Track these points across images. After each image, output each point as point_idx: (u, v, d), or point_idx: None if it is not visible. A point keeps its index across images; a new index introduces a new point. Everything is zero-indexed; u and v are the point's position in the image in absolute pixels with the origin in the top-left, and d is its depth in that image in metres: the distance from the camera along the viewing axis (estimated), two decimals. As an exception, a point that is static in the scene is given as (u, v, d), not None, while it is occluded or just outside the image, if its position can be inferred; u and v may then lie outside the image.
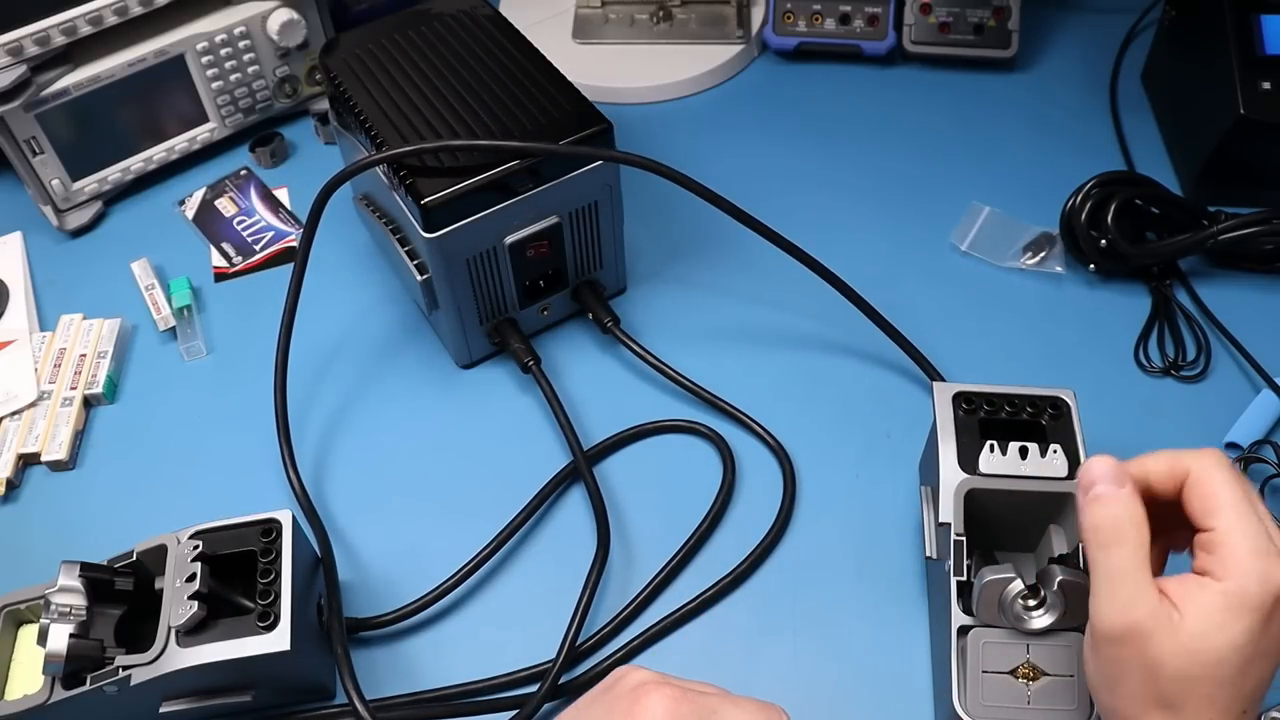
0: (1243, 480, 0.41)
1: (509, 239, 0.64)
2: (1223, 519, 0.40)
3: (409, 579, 0.60)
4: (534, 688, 0.56)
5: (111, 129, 0.79)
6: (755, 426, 0.65)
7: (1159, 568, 0.45)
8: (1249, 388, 0.66)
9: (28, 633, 0.56)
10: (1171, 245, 0.70)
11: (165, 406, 0.70)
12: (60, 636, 0.49)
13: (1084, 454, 0.52)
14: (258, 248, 0.79)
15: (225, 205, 0.82)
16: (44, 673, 0.50)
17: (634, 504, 0.63)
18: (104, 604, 0.52)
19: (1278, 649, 0.39)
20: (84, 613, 0.50)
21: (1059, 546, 0.50)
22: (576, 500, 0.64)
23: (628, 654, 0.57)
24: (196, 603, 0.50)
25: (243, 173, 0.84)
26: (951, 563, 0.51)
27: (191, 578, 0.51)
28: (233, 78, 0.81)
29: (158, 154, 0.82)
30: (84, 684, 0.50)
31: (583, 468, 0.63)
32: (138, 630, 0.52)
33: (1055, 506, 0.52)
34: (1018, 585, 0.48)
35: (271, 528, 0.54)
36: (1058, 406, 0.54)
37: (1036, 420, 0.54)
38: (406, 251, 0.66)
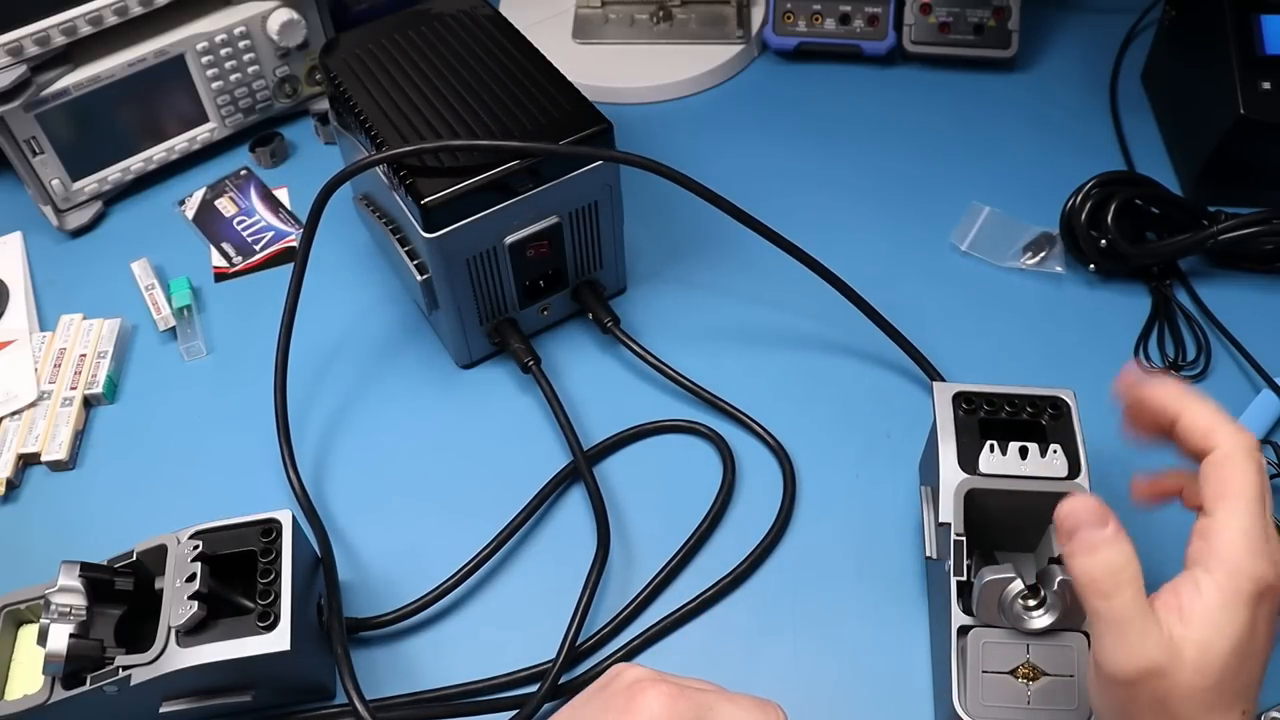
0: (1263, 476, 0.41)
1: (509, 239, 0.64)
2: (1226, 509, 0.40)
3: (409, 579, 0.60)
4: (534, 688, 0.56)
5: (111, 129, 0.79)
6: (755, 426, 0.65)
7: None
8: (1249, 388, 0.66)
9: (28, 633, 0.56)
10: (1171, 245, 0.70)
11: (165, 406, 0.70)
12: (60, 636, 0.49)
13: (1084, 454, 0.52)
14: (258, 248, 0.79)
15: (225, 205, 0.82)
16: (44, 673, 0.50)
17: (634, 504, 0.63)
18: (104, 604, 0.52)
19: (1264, 649, 0.40)
20: (84, 613, 0.50)
21: (1059, 547, 0.50)
22: (576, 500, 0.64)
23: (628, 654, 0.58)
24: (196, 603, 0.50)
25: (243, 173, 0.84)
26: (951, 563, 0.51)
27: (191, 578, 0.51)
28: (233, 78, 0.81)
29: (158, 154, 0.82)
30: (84, 684, 0.50)
31: (583, 468, 0.63)
32: (138, 630, 0.52)
33: (1055, 506, 0.51)
34: (1018, 585, 0.48)
35: (271, 528, 0.54)
36: (1058, 406, 0.54)
37: (1036, 420, 0.54)
38: (406, 251, 0.66)
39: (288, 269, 0.70)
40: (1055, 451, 0.52)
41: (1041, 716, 0.48)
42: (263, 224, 0.80)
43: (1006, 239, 0.74)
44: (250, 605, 0.52)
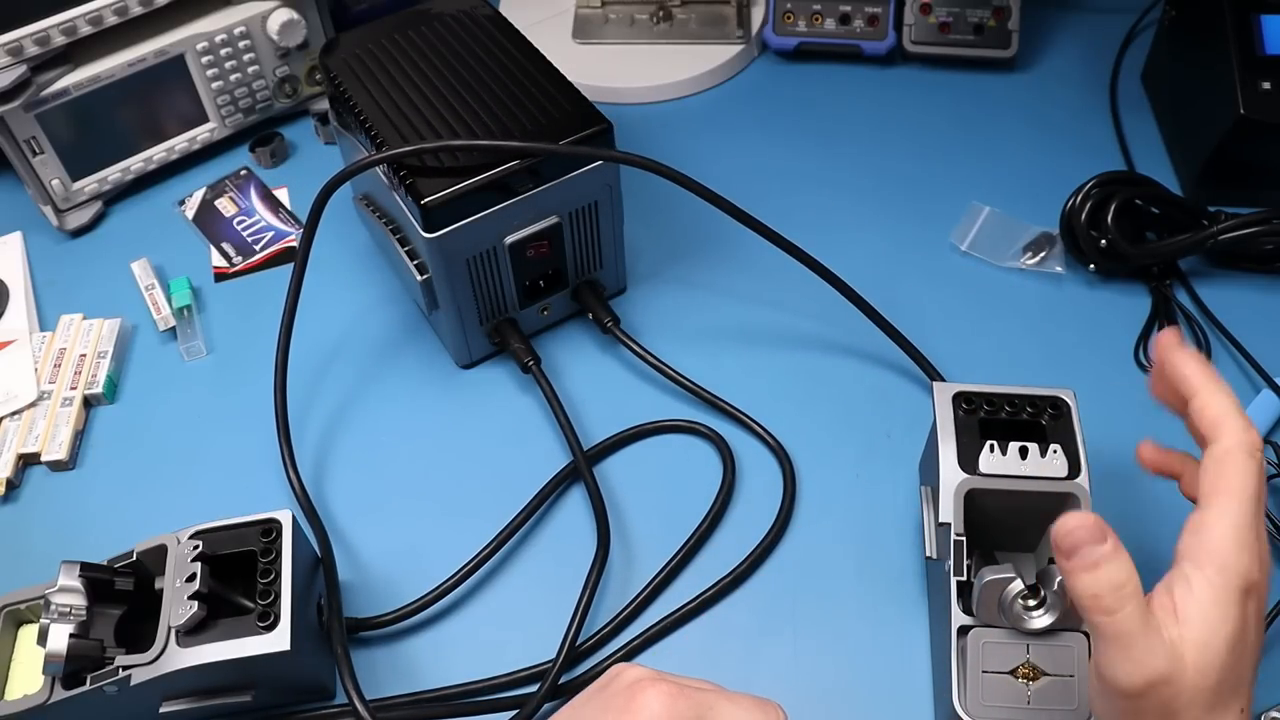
0: (1261, 477, 0.41)
1: (509, 239, 0.64)
2: (1220, 505, 0.40)
3: (409, 579, 0.60)
4: (534, 688, 0.56)
5: (111, 129, 0.79)
6: (755, 426, 0.65)
7: None
8: (1249, 388, 0.66)
9: (28, 633, 0.56)
10: (1171, 245, 0.70)
11: (165, 406, 0.70)
12: (60, 636, 0.49)
13: (1084, 454, 0.52)
14: (258, 248, 0.79)
15: (225, 205, 0.82)
16: (44, 673, 0.50)
17: (634, 504, 0.63)
18: (104, 604, 0.52)
19: (1256, 644, 0.40)
20: (84, 613, 0.50)
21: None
22: (576, 500, 0.64)
23: (628, 654, 0.58)
24: (196, 603, 0.50)
25: (243, 173, 0.84)
26: (951, 563, 0.51)
27: (191, 578, 0.51)
28: (233, 78, 0.81)
29: (158, 154, 0.82)
30: (84, 684, 0.50)
31: (583, 468, 0.63)
32: (138, 630, 0.52)
33: (1055, 506, 0.51)
34: (1018, 585, 0.48)
35: (271, 528, 0.54)
36: (1058, 406, 0.54)
37: (1036, 420, 0.54)
38: (406, 251, 0.66)
39: (288, 269, 0.70)
40: (1055, 451, 0.52)
41: (1041, 716, 0.48)
42: (263, 224, 0.80)
43: (1006, 239, 0.74)
44: (250, 605, 0.52)
